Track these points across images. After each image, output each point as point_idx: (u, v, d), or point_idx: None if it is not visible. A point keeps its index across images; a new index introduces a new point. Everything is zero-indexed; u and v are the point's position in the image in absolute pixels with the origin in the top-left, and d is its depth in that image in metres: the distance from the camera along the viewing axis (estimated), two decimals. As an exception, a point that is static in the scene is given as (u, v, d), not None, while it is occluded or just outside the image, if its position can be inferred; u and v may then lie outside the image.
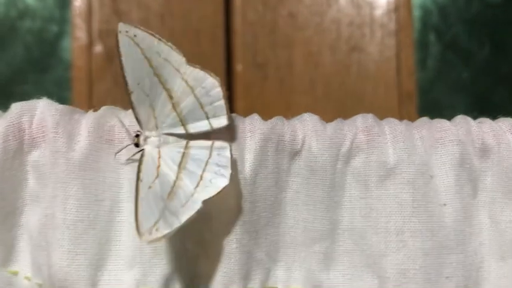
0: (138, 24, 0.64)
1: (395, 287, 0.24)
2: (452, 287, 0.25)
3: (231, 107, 0.56)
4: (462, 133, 0.25)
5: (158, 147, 0.24)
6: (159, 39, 0.24)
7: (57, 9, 0.58)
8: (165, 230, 0.22)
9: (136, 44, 0.24)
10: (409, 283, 0.24)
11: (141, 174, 0.23)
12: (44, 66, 0.58)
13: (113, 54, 0.60)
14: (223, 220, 0.24)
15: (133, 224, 0.22)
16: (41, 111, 0.24)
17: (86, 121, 0.24)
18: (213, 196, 0.23)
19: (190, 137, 0.24)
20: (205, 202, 0.23)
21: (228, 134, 0.24)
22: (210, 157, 0.24)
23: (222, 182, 0.23)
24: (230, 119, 0.24)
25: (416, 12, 0.59)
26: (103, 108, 0.25)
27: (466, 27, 0.59)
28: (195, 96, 0.24)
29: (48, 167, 0.24)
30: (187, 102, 0.24)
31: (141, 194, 0.23)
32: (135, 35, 0.24)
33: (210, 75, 0.24)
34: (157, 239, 0.22)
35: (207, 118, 0.24)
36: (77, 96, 0.56)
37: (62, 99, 0.63)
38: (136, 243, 0.24)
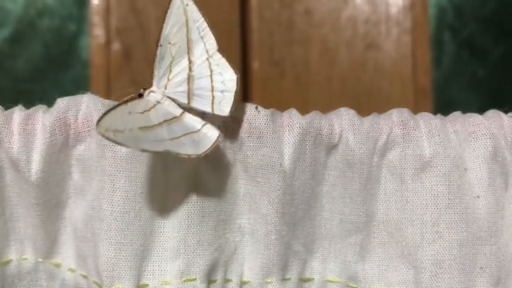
0: (154, 22, 0.64)
1: (431, 277, 0.25)
2: (486, 277, 0.25)
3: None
4: (494, 127, 0.26)
5: (157, 102, 0.25)
6: (205, 20, 0.25)
7: (75, 7, 0.58)
8: (119, 139, 0.23)
9: (185, 11, 0.25)
10: (444, 273, 0.25)
11: (130, 104, 0.24)
12: (63, 65, 0.58)
13: (130, 52, 0.60)
14: (263, 212, 0.25)
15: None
16: (86, 106, 0.25)
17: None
18: (180, 155, 0.24)
19: (189, 110, 0.25)
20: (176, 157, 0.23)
21: (266, 127, 0.25)
22: (195, 132, 0.24)
23: (190, 151, 0.24)
24: (231, 113, 0.25)
25: (432, 11, 0.59)
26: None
27: (481, 25, 0.60)
28: (211, 79, 0.25)
29: (94, 161, 0.24)
30: (202, 81, 0.25)
31: (119, 110, 0.24)
32: (187, 4, 0.25)
33: (233, 69, 0.25)
34: (105, 137, 0.23)
35: (212, 102, 0.25)
36: (95, 94, 0.57)
37: (80, 97, 0.63)
38: (180, 235, 0.24)
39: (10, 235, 0.26)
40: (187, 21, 0.25)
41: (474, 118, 0.26)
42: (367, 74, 0.59)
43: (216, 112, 0.25)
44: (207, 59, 0.25)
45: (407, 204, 0.25)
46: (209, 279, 0.25)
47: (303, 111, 0.27)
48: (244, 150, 0.25)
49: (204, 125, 0.25)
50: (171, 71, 0.25)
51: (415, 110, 0.28)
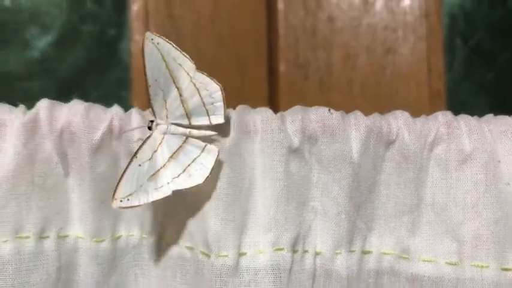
0: (190, 28, 0.69)
1: (471, 249, 0.30)
2: (516, 249, 0.31)
3: (275, 104, 0.61)
4: (521, 126, 0.31)
5: (164, 134, 0.29)
6: (176, 48, 0.28)
7: (116, 13, 0.62)
8: (133, 203, 0.28)
9: (158, 49, 0.28)
10: (483, 245, 0.30)
11: (139, 152, 0.28)
12: (104, 67, 0.62)
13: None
14: (334, 195, 0.30)
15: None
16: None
17: (233, 117, 0.30)
18: (184, 189, 0.28)
19: (192, 127, 0.29)
20: (175, 192, 0.28)
21: (338, 126, 0.30)
22: (199, 156, 0.29)
23: (197, 180, 0.28)
24: (226, 118, 0.29)
25: (444, 19, 0.64)
26: (240, 106, 0.31)
27: (490, 32, 0.65)
28: (200, 96, 0.29)
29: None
30: (193, 100, 0.29)
31: (130, 168, 0.28)
32: (158, 43, 0.28)
33: (214, 81, 0.29)
34: (125, 208, 0.28)
35: (208, 115, 0.29)
36: (136, 96, 0.61)
37: (121, 98, 0.68)
38: (271, 213, 0.30)
39: (121, 215, 0.31)
40: (162, 56, 0.28)
41: (504, 120, 0.32)
42: (386, 78, 0.63)
43: (214, 122, 0.29)
44: (191, 80, 0.28)
45: (451, 190, 0.31)
46: (293, 249, 0.30)
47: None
48: (319, 145, 0.30)
49: (204, 147, 0.29)
50: (165, 101, 0.29)
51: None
